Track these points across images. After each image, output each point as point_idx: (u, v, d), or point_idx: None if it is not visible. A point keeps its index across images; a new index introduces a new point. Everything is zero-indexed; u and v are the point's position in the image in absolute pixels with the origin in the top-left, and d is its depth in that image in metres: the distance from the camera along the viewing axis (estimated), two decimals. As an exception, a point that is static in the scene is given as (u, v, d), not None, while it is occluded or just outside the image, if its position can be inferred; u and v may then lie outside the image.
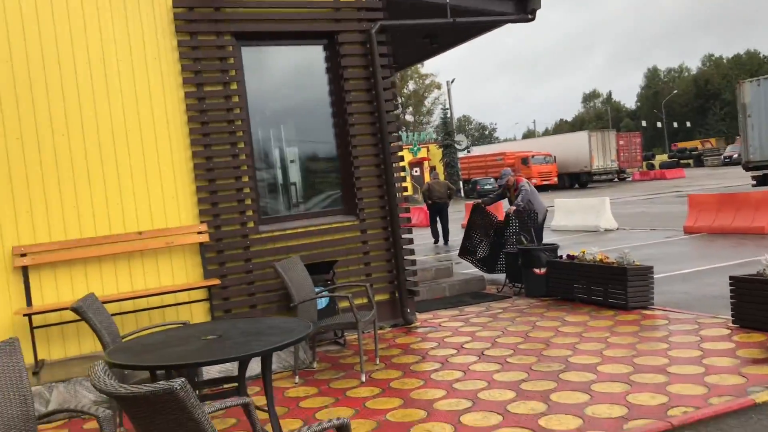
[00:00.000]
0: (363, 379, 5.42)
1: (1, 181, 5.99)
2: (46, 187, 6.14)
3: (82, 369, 5.70)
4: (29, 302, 6.00)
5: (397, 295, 7.51)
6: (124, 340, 5.93)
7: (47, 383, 5.31)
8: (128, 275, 6.40)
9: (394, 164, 7.41)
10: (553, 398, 4.62)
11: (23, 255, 6.01)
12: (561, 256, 8.29)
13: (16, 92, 6.07)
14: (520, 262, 8.62)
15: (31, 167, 6.09)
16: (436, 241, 16.14)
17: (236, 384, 3.78)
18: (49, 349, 6.13)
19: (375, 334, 5.77)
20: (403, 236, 7.49)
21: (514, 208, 9.85)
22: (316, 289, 6.46)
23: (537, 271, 8.29)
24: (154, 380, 3.78)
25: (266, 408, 3.75)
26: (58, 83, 6.21)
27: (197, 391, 3.97)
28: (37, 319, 6.10)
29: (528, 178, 12.08)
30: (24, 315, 5.67)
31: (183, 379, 2.07)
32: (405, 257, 7.47)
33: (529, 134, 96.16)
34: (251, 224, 6.89)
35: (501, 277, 9.70)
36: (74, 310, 4.24)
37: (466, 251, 10.67)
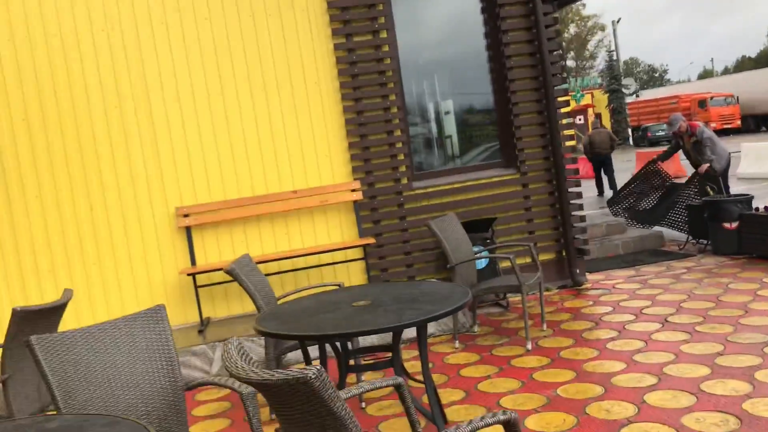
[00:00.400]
0: (529, 347, 4.96)
1: (163, 147, 6.10)
2: (205, 151, 6.18)
3: (245, 327, 5.73)
4: (193, 262, 6.11)
5: (564, 254, 6.92)
6: (279, 302, 5.86)
7: (212, 342, 5.38)
8: (285, 234, 6.34)
9: (558, 110, 6.74)
10: (759, 377, 3.92)
11: (186, 215, 6.12)
12: (757, 208, 7.23)
13: (187, 47, 6.12)
14: (705, 215, 7.65)
15: (189, 131, 6.15)
16: (600, 194, 15.09)
17: (390, 354, 3.48)
18: (213, 307, 6.24)
19: (541, 297, 5.28)
20: (570, 189, 6.85)
21: (706, 166, 8.50)
22: (475, 249, 6.04)
23: (727, 225, 7.30)
24: (304, 350, 3.58)
25: (422, 380, 3.44)
26: (210, 41, 6.19)
27: (350, 360, 3.73)
28: (201, 279, 6.22)
29: (706, 123, 10.65)
30: (188, 274, 5.78)
31: (318, 367, 1.75)
32: (573, 212, 6.83)
33: (705, 74, 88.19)
34: (405, 180, 6.58)
35: (677, 234, 8.71)
36: (228, 272, 4.14)
37: (618, 201, 9.74)
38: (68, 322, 5.98)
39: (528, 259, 6.82)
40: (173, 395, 2.89)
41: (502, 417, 2.02)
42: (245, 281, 4.17)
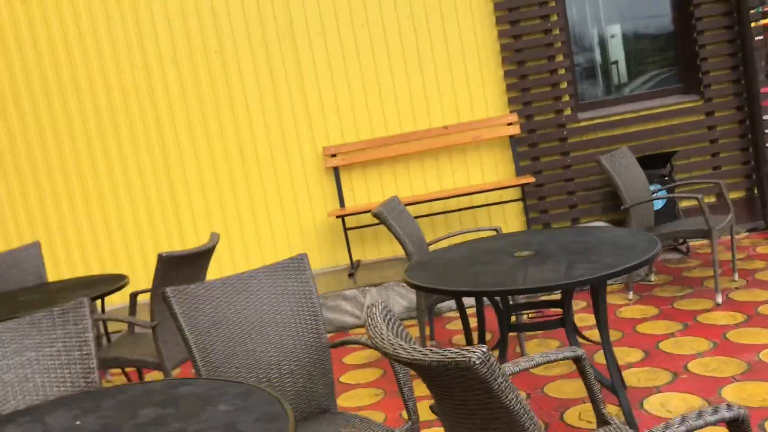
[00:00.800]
0: (719, 300, 4.28)
1: (309, 85, 5.87)
2: (351, 87, 5.88)
3: (396, 271, 5.48)
4: (342, 203, 5.91)
5: (755, 192, 5.99)
6: (429, 248, 5.51)
7: (362, 287, 5.17)
8: (436, 174, 5.96)
9: (751, 23, 5.73)
10: None
11: (333, 155, 5.89)
12: None
13: (316, -15, 5.80)
14: None
15: (335, 67, 5.86)
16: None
17: (560, 311, 3.03)
18: (363, 250, 6.04)
19: (732, 243, 4.53)
20: (766, 117, 5.86)
21: None
22: (651, 188, 5.33)
23: None
24: (459, 304, 3.21)
25: (594, 341, 2.97)
26: (354, -30, 5.80)
27: (511, 317, 3.31)
28: (350, 221, 6.02)
29: None
30: (337, 217, 5.58)
31: (484, 350, 1.35)
32: (767, 144, 5.87)
33: None
34: (568, 111, 5.92)
35: None
36: (375, 215, 3.83)
37: None
38: (223, 267, 6.03)
39: (712, 198, 5.98)
40: (318, 353, 2.63)
41: (727, 414, 1.53)
42: (393, 225, 3.85)
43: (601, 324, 2.77)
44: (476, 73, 5.86)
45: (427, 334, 4.56)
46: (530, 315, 4.26)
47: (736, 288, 4.52)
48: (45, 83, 5.92)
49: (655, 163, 5.75)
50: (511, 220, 6.00)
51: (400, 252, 6.06)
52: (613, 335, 4.02)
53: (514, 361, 2.01)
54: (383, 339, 1.62)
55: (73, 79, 5.91)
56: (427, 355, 1.44)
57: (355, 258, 6.05)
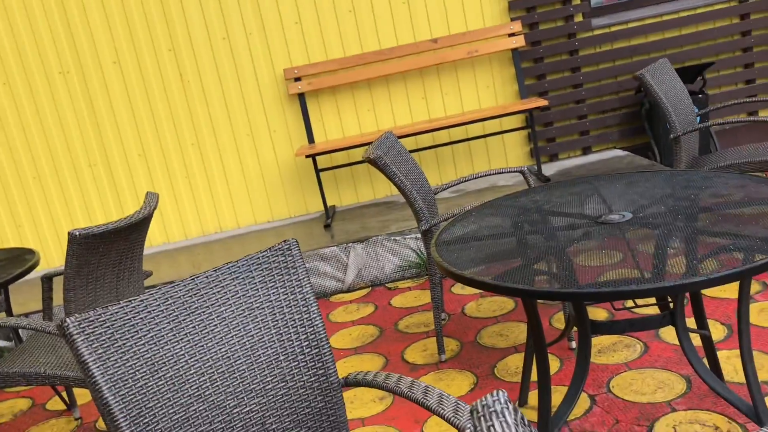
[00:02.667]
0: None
1: (261, -14, 4.69)
2: (314, -11, 4.72)
3: (380, 220, 4.51)
4: (311, 139, 4.85)
5: (793, 108, 5.16)
6: (438, 201, 4.61)
7: (342, 244, 4.20)
8: (423, 99, 4.92)
9: None
10: None
11: (297, 79, 4.79)
12: None
13: None
14: None
15: (293, -36, 4.68)
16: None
17: (665, 312, 2.13)
18: (339, 194, 5.04)
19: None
20: (811, 18, 4.97)
21: None
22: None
23: None
24: (529, 307, 2.26)
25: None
26: None
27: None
28: (322, 160, 4.98)
29: None
30: (306, 156, 4.53)
31: None
32: (811, 51, 4.99)
33: None
34: (579, 17, 4.91)
35: None
36: (373, 161, 2.83)
37: None
38: (171, 235, 4.96)
39: (741, 116, 5.12)
40: (324, 397, 1.68)
41: None
42: (398, 174, 2.85)
43: (743, 323, 1.87)
44: (470, -28, 4.77)
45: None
46: (621, 307, 3.33)
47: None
48: None
49: (683, 78, 4.83)
50: (512, 152, 5.05)
51: (381, 195, 5.08)
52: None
53: None
54: None
55: (-43, -10, 4.60)
56: None
57: (329, 203, 5.06)
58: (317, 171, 4.60)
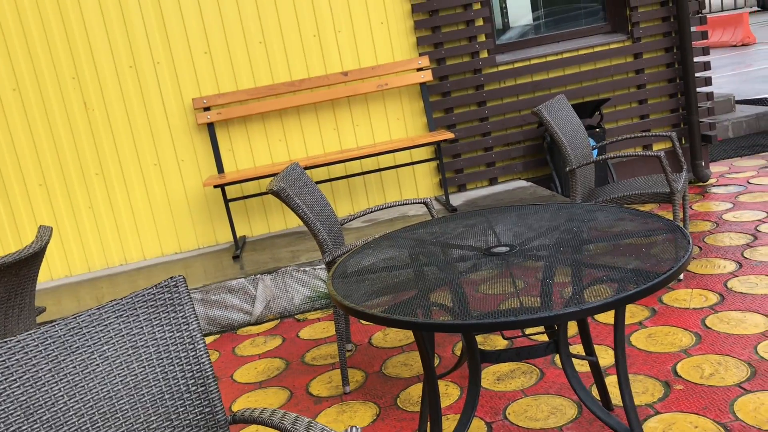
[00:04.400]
0: (680, 276, 3.67)
1: (171, 17, 4.65)
2: (227, 27, 4.72)
3: (290, 251, 4.50)
4: (220, 169, 4.81)
5: (683, 142, 5.49)
6: (344, 231, 4.65)
7: (251, 275, 4.16)
8: (334, 130, 4.98)
9: (682, -46, 5.11)
10: None
11: (206, 109, 4.76)
12: None
13: None
14: None
15: (205, 3, 4.67)
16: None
17: (551, 340, 2.22)
18: (249, 224, 5.01)
19: (685, 204, 3.93)
20: (697, 59, 5.33)
21: None
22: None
23: None
24: (420, 340, 2.30)
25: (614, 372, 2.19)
26: None
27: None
28: (231, 191, 4.94)
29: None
30: (215, 186, 4.49)
31: None
32: (698, 89, 5.34)
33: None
34: (485, 53, 5.10)
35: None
36: (275, 193, 2.84)
37: None
38: (74, 269, 4.79)
39: (639, 149, 5.41)
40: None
41: None
42: (301, 206, 2.87)
43: (619, 350, 1.97)
44: (379, 8, 4.88)
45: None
46: (511, 336, 3.41)
47: (693, 258, 3.94)
48: None
49: (583, 112, 5.08)
50: (422, 182, 5.16)
51: (292, 224, 5.08)
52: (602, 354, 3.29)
53: None
54: None
55: None
56: None
57: (239, 234, 5.01)
58: (226, 201, 4.56)
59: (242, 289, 4.14)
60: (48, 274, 4.81)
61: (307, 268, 4.18)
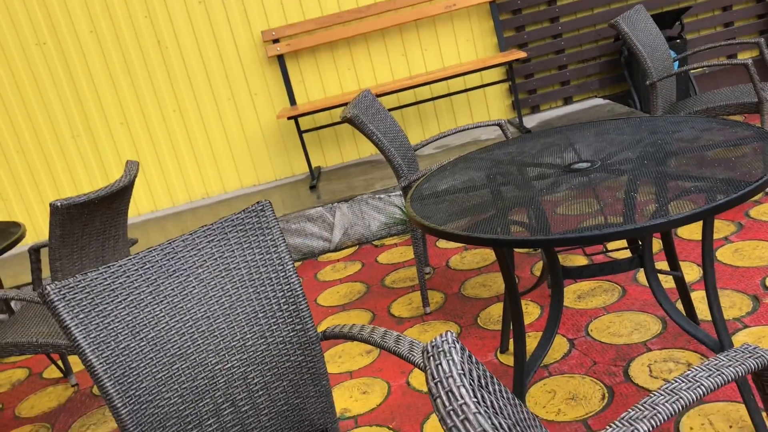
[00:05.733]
0: (772, 189, 3.52)
1: (234, -53, 4.63)
2: (287, -52, 4.67)
3: (365, 179, 4.55)
4: (292, 101, 4.85)
5: (773, 49, 5.16)
6: (419, 156, 4.66)
7: (328, 204, 4.24)
8: (403, 56, 4.91)
9: None
10: None
11: (276, 41, 4.77)
12: None
13: None
14: None
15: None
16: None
17: (634, 255, 2.19)
18: (323, 155, 5.06)
19: (774, 116, 3.73)
20: (788, -42, 4.95)
21: None
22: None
23: None
24: (501, 257, 2.31)
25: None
26: None
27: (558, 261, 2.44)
28: (304, 122, 4.99)
29: None
30: (288, 118, 4.54)
31: None
32: (789, -9, 4.98)
33: None
34: (557, -33, 4.88)
35: None
36: (350, 120, 2.86)
37: None
38: (159, 202, 4.98)
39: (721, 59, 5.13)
40: (303, 351, 1.74)
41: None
42: (375, 133, 2.88)
43: (707, 261, 1.93)
44: (444, -76, 4.71)
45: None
46: (594, 252, 3.35)
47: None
48: None
49: (661, 23, 4.83)
50: (494, 105, 5.06)
51: (365, 153, 5.11)
52: (689, 271, 3.24)
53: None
54: (469, 407, 0.72)
55: (-75, -36, 4.54)
56: None
57: (314, 164, 5.08)
58: (300, 132, 4.61)
59: (320, 217, 4.23)
60: (135, 210, 5.03)
61: (382, 195, 4.22)
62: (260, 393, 1.68)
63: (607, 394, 2.24)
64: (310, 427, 1.75)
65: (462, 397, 0.82)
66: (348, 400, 2.58)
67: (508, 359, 2.57)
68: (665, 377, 2.25)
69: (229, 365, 1.66)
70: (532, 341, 2.66)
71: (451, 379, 0.85)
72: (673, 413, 1.07)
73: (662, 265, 3.01)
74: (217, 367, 1.64)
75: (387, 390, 2.58)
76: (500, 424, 0.81)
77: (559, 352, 2.54)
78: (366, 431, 2.36)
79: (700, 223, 3.25)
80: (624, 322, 2.63)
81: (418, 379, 2.59)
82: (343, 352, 2.94)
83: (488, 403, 0.85)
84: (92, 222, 2.58)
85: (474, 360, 0.91)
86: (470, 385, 0.85)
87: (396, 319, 3.12)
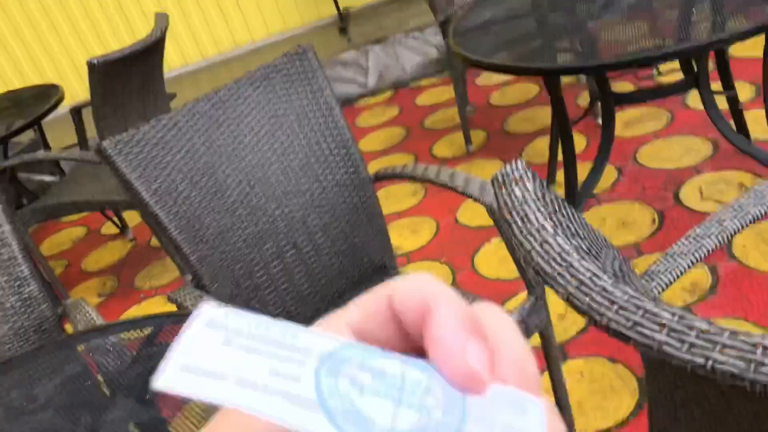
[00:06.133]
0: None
1: None
2: None
3: (397, 17, 4.38)
4: (314, -62, 4.59)
5: None
6: (465, 6, 4.41)
7: (361, 46, 4.12)
8: None
9: None
10: None
11: None
12: None
13: None
14: None
15: None
16: None
17: (690, 76, 2.11)
18: (350, -5, 4.86)
19: None
20: None
21: None
22: None
23: None
24: (551, 86, 2.23)
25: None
26: None
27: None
28: (328, -41, 4.74)
29: None
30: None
31: None
32: None
33: None
34: None
35: None
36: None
37: None
38: (188, 56, 4.88)
39: None
40: (357, 192, 1.76)
41: None
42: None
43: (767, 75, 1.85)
44: None
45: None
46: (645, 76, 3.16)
47: None
48: None
49: None
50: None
51: (395, -10, 4.88)
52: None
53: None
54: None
55: None
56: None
57: (342, 5, 4.89)
58: (326, -28, 4.40)
59: (354, 61, 4.13)
60: (165, 65, 4.97)
61: (416, 34, 4.08)
62: (319, 234, 1.73)
63: (657, 219, 2.26)
64: (370, 264, 1.82)
65: (538, 221, 0.83)
66: (398, 238, 2.65)
67: (556, 190, 2.58)
68: (717, 198, 2.24)
69: (288, 209, 1.69)
70: (580, 170, 2.65)
71: (526, 205, 0.85)
72: (719, 244, 1.07)
73: (715, 86, 2.91)
74: (276, 212, 1.68)
75: (436, 227, 2.63)
76: (579, 245, 0.82)
77: (608, 180, 2.53)
78: (419, 266, 2.44)
79: (755, 41, 3.09)
80: (673, 147, 2.59)
81: (466, 215, 2.63)
82: (389, 193, 2.98)
83: (564, 225, 0.86)
84: (130, 79, 2.56)
85: (546, 185, 0.91)
86: (545, 208, 0.85)
87: (440, 159, 3.12)
